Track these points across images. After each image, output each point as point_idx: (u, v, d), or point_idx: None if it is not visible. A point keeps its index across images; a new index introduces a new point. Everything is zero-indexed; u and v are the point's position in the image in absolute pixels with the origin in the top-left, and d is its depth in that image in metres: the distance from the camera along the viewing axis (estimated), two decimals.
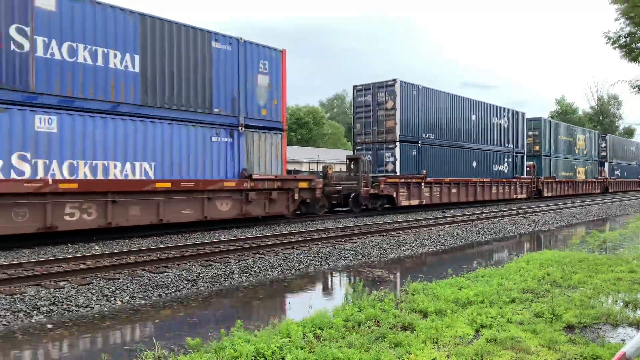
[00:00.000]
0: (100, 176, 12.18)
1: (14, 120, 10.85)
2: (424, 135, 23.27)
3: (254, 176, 15.32)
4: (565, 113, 72.25)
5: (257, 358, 4.46)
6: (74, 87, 11.79)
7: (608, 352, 4.55)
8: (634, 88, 13.67)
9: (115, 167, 12.48)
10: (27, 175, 10.96)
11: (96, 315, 6.81)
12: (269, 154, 16.18)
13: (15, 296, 7.04)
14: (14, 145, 10.85)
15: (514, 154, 30.27)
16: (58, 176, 11.42)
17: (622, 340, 5.16)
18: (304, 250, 11.39)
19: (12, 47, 10.82)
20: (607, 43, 12.55)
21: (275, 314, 6.59)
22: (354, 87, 23.67)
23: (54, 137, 11.41)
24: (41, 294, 7.19)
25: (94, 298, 7.30)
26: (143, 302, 7.49)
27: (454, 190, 24.66)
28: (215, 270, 9.14)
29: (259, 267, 9.70)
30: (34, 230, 11.03)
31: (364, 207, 20.72)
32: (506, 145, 29.55)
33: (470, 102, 26.64)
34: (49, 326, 6.29)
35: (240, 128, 15.19)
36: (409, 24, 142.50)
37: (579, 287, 7.44)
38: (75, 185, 11.53)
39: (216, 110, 14.60)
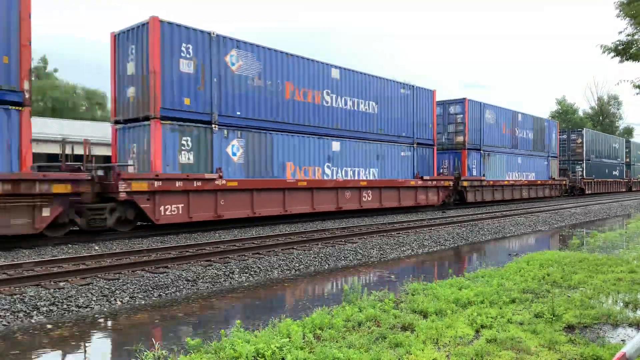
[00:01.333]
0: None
1: None
2: (592, 156, 43.71)
3: (571, 176, 39.25)
4: (565, 113, 72.17)
5: (257, 358, 4.45)
6: None
7: (608, 353, 4.55)
8: (635, 87, 13.66)
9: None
10: None
11: (96, 315, 6.81)
12: (557, 167, 37.63)
13: (15, 296, 7.03)
14: None
15: (620, 164, 50.63)
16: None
17: (622, 340, 5.15)
18: (304, 251, 11.39)
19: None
20: (603, 53, 12.57)
21: (275, 314, 6.58)
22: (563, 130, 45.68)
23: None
24: (41, 294, 7.19)
25: (94, 298, 7.30)
26: (143, 302, 7.49)
27: (602, 185, 45.04)
28: (215, 271, 9.14)
29: (259, 267, 9.70)
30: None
31: (575, 193, 41.19)
32: (617, 159, 49.89)
33: (607, 136, 50.02)
34: (49, 326, 6.30)
35: (548, 157, 35.92)
36: (408, 23, 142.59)
37: (579, 288, 7.44)
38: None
39: (551, 152, 35.94)
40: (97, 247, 11.49)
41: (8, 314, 6.48)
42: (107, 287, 7.75)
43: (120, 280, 8.14)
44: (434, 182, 23.65)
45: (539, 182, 34.04)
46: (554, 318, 5.68)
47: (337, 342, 4.92)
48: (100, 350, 5.55)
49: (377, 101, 20.92)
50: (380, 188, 20.70)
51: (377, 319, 5.70)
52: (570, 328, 5.53)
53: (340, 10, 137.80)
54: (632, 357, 3.10)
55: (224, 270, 9.25)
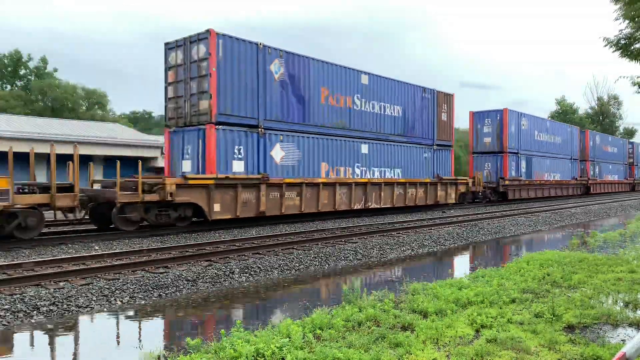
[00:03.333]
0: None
1: None
2: None
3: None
4: (565, 113, 72.18)
5: (257, 358, 4.46)
6: None
7: (608, 353, 4.55)
8: (634, 85, 13.63)
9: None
10: None
11: (96, 315, 6.81)
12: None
13: (15, 296, 7.04)
14: None
15: None
16: None
17: (622, 340, 5.15)
18: (304, 251, 11.39)
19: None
20: (605, 46, 12.53)
21: (275, 313, 6.60)
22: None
23: None
24: (41, 294, 7.19)
25: (94, 298, 7.30)
26: (143, 302, 7.49)
27: None
28: (215, 271, 9.14)
29: (259, 267, 9.70)
30: None
31: None
32: None
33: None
34: (49, 326, 6.29)
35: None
36: (408, 23, 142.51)
37: (579, 287, 7.44)
38: None
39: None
40: (97, 247, 11.49)
41: (8, 314, 6.48)
42: (107, 287, 7.75)
43: (120, 280, 8.13)
44: None
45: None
46: (554, 318, 5.68)
47: (337, 342, 4.93)
48: (99, 350, 5.55)
49: None
50: None
51: (377, 318, 5.71)
52: (570, 328, 5.53)
53: (340, 8, 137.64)
54: (632, 357, 3.10)
55: (224, 270, 9.24)
